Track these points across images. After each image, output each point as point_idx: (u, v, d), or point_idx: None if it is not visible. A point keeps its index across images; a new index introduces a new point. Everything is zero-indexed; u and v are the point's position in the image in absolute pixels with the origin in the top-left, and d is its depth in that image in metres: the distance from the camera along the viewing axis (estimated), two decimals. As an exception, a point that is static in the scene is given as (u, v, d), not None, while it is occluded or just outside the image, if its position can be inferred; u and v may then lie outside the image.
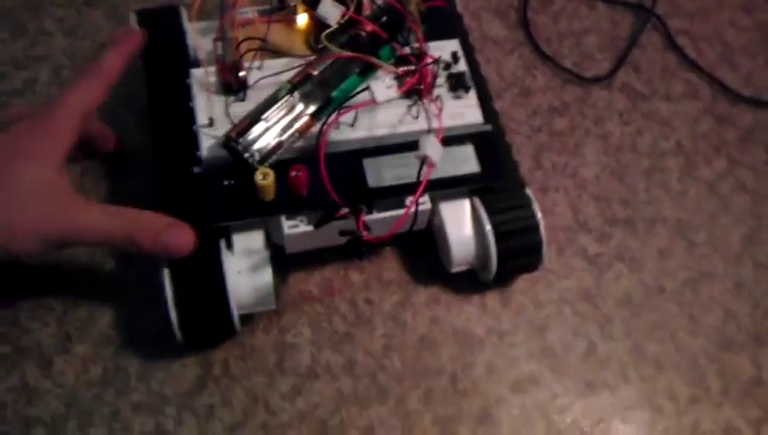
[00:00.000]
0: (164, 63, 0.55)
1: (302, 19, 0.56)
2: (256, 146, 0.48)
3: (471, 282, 0.57)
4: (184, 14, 0.58)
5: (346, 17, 0.51)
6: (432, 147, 0.45)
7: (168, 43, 0.56)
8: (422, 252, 0.57)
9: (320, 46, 0.54)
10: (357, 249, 0.45)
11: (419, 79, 0.52)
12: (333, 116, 0.48)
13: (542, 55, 0.69)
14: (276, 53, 0.54)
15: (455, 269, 0.54)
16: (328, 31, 0.50)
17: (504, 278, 0.56)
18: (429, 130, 0.49)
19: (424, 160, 0.46)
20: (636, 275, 0.59)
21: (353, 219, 0.47)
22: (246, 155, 0.48)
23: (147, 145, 0.56)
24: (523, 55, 0.69)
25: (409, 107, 0.53)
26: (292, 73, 0.52)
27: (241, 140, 0.48)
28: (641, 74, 0.69)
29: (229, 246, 0.50)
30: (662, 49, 0.71)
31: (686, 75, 0.70)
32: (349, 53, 0.50)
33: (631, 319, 0.58)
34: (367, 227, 0.46)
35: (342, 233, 0.45)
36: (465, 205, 0.54)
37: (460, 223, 0.53)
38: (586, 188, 0.63)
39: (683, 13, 0.74)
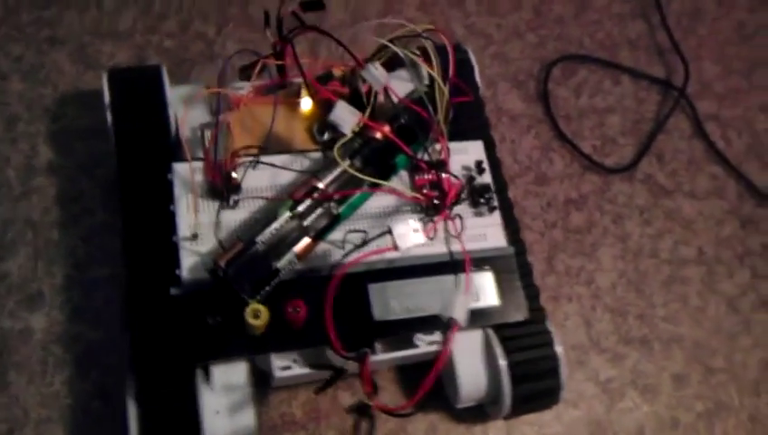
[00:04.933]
0: (140, 144, 0.47)
1: (306, 104, 0.48)
2: (248, 276, 0.41)
3: (474, 409, 0.51)
4: (166, 76, 0.50)
5: (361, 124, 0.43)
6: (460, 308, 0.39)
7: (146, 116, 0.48)
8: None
9: (324, 139, 0.46)
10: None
11: (440, 195, 0.45)
12: (351, 258, 0.41)
13: (560, 136, 0.62)
14: (274, 142, 0.46)
15: (461, 405, 0.48)
16: (340, 142, 0.43)
17: (513, 416, 0.50)
18: (451, 259, 0.42)
19: (449, 322, 0.39)
20: (650, 405, 0.54)
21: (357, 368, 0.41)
22: (236, 287, 0.41)
23: (112, 226, 0.49)
24: (541, 134, 0.62)
25: (425, 224, 0.46)
26: (292, 177, 0.45)
27: (230, 270, 0.41)
28: (665, 165, 0.63)
29: (207, 377, 0.43)
30: (689, 136, 0.65)
31: (712, 169, 0.64)
32: (359, 176, 0.43)
33: (643, 458, 0.53)
34: (375, 388, 0.40)
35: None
36: (477, 337, 0.47)
37: (471, 358, 0.47)
38: (600, 298, 0.57)
39: (712, 94, 0.67)
